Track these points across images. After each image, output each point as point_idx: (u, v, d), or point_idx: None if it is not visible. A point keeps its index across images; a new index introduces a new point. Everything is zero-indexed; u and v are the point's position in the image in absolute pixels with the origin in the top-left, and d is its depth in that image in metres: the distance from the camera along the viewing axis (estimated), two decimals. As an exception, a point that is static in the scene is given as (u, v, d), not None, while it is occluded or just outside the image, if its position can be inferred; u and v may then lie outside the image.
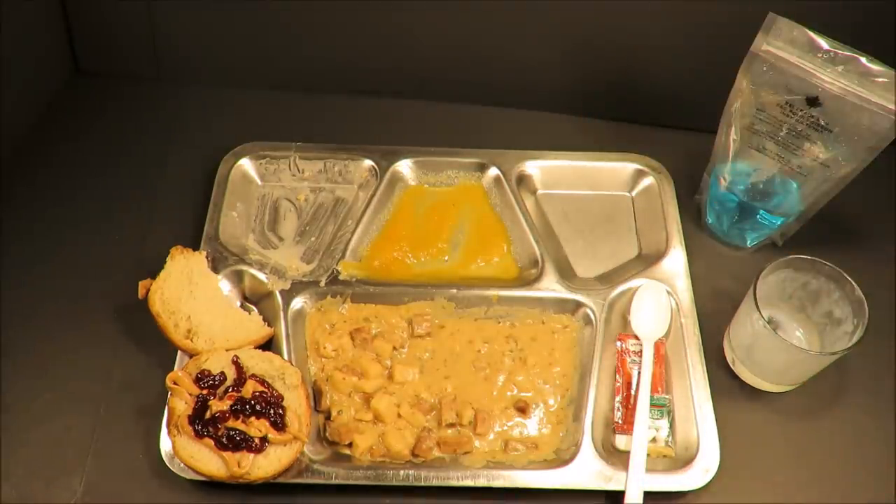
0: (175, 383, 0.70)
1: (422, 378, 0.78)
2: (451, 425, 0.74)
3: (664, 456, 0.73)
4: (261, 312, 0.81)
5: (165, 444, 0.70)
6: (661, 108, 0.99)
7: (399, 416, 0.75)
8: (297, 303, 0.81)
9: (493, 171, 0.93)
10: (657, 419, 0.74)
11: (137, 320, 0.78)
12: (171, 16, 0.99)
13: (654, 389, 0.75)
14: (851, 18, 0.81)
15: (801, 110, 0.75)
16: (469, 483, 0.70)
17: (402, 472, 0.70)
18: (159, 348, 0.76)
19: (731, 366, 0.79)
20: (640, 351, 0.78)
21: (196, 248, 0.83)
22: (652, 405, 0.74)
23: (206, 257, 0.82)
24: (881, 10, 0.86)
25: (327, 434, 0.74)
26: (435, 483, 0.70)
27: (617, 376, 0.78)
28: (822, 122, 0.74)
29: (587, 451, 0.71)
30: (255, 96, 1.02)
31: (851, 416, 0.77)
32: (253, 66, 1.03)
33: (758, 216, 0.86)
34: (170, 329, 0.75)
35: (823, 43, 0.72)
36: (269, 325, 0.79)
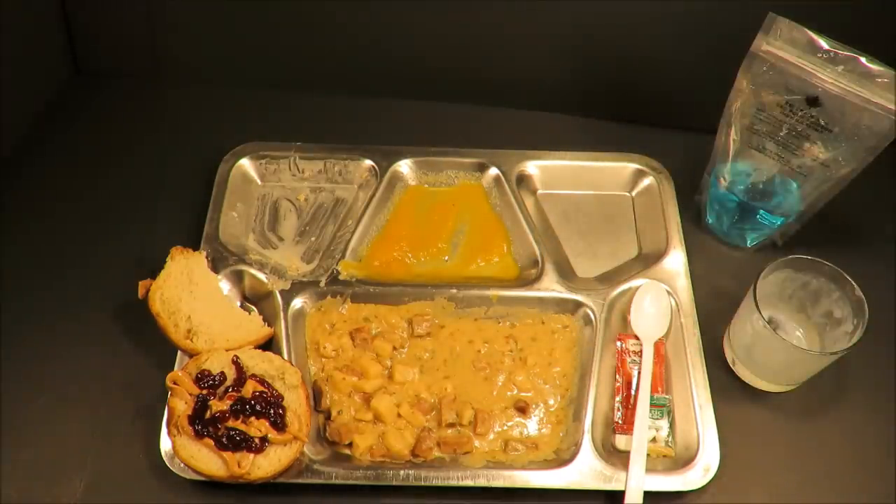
0: (175, 383, 0.70)
1: (422, 378, 0.78)
2: (451, 425, 0.74)
3: (664, 456, 0.73)
4: (261, 312, 0.81)
5: (165, 444, 0.70)
6: (661, 108, 0.99)
7: (399, 416, 0.75)
8: (297, 303, 0.81)
9: (493, 171, 0.93)
10: (657, 419, 0.74)
11: (137, 320, 0.78)
12: (171, 16, 0.99)
13: (654, 389, 0.75)
14: (851, 18, 0.81)
15: (801, 110, 0.75)
16: (469, 483, 0.70)
17: (402, 472, 0.70)
18: (159, 348, 0.76)
19: (731, 366, 0.79)
20: (640, 351, 0.78)
21: (196, 248, 0.83)
22: (652, 405, 0.74)
23: (206, 257, 0.82)
24: (881, 10, 0.86)
25: (327, 434, 0.74)
26: (435, 483, 0.70)
27: (617, 376, 0.78)
28: (822, 122, 0.74)
29: (587, 451, 0.71)
30: (255, 96, 1.02)
31: (851, 416, 0.77)
32: (253, 66, 1.03)
33: (758, 216, 0.86)
34: (170, 329, 0.75)
35: (823, 43, 0.72)
36: (269, 325, 0.79)
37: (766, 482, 0.73)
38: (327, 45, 1.00)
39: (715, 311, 0.81)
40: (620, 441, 0.73)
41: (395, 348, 0.79)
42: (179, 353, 0.76)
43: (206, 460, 0.67)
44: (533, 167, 0.94)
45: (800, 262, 0.75)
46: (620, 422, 0.74)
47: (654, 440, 0.73)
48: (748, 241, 0.88)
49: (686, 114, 0.97)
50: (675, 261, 0.85)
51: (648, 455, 0.71)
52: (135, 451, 0.72)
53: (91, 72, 1.05)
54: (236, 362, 0.72)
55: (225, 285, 0.82)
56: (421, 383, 0.77)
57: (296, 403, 0.70)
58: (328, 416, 0.75)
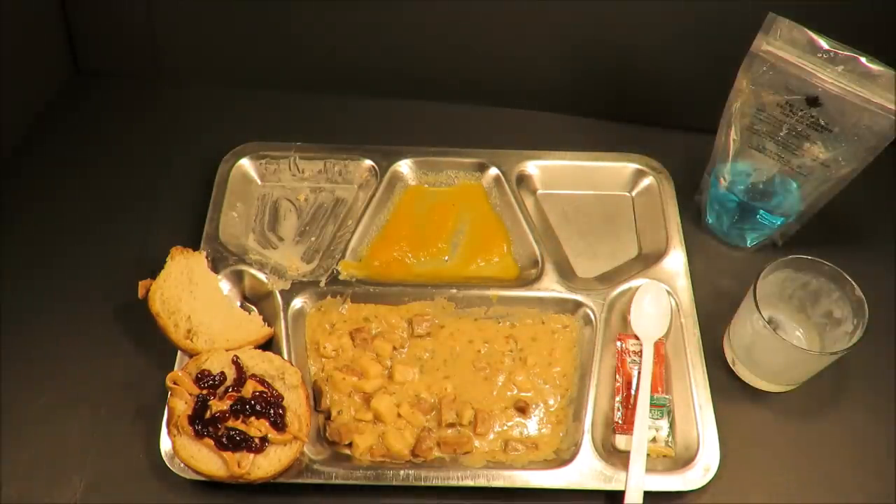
0: (175, 383, 0.70)
1: (422, 378, 0.78)
2: (451, 425, 0.74)
3: (664, 456, 0.73)
4: (261, 312, 0.81)
5: (165, 444, 0.70)
6: (661, 108, 0.99)
7: (399, 416, 0.75)
8: (297, 303, 0.81)
9: (493, 171, 0.93)
10: (657, 419, 0.74)
11: (137, 320, 0.78)
12: (171, 16, 0.99)
13: (654, 389, 0.75)
14: (851, 18, 0.81)
15: (801, 110, 0.75)
16: (469, 483, 0.70)
17: (402, 472, 0.70)
18: (159, 348, 0.77)
19: (731, 366, 0.79)
20: (640, 351, 0.78)
21: (196, 248, 0.83)
22: (652, 405, 0.74)
23: (206, 257, 0.82)
24: (881, 10, 0.86)
25: (327, 434, 0.74)
26: (435, 483, 0.70)
27: (617, 376, 0.78)
28: (822, 122, 0.74)
29: (587, 451, 0.71)
30: (255, 96, 1.02)
31: (851, 416, 0.77)
32: (253, 66, 1.03)
33: (758, 216, 0.86)
34: (170, 329, 0.75)
35: (823, 43, 0.72)
36: (269, 325, 0.79)
37: (766, 482, 0.73)
38: (327, 46, 1.00)
39: (715, 311, 0.81)
40: (620, 441, 0.73)
41: (395, 348, 0.79)
42: (179, 353, 0.76)
43: (206, 460, 0.67)
44: (533, 167, 0.94)
45: (800, 262, 0.75)
46: (620, 422, 0.74)
47: (654, 440, 0.73)
48: (748, 241, 0.88)
49: (686, 114, 0.97)
50: (675, 261, 0.85)
51: (648, 455, 0.71)
52: (135, 451, 0.72)
53: (91, 72, 1.05)
54: (236, 362, 0.72)
55: (225, 285, 0.82)
56: (421, 383, 0.77)
57: (296, 403, 0.70)
58: (328, 416, 0.75)
